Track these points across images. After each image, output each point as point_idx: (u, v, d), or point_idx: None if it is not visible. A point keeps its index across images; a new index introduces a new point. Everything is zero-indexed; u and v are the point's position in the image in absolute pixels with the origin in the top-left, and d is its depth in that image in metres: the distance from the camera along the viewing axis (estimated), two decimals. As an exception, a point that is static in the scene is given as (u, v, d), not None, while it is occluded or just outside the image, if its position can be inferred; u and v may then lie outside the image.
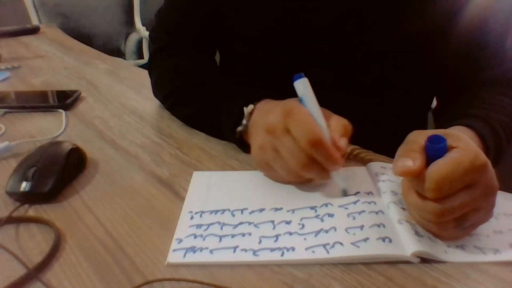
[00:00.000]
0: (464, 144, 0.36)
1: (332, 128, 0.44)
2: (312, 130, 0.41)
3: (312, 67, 0.63)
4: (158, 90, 0.69)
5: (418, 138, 0.38)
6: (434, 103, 0.71)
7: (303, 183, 0.46)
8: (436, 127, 0.65)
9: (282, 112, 0.43)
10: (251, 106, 0.51)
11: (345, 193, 0.44)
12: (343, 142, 0.43)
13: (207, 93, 0.59)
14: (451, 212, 0.35)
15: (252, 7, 0.63)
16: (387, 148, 0.49)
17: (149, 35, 0.76)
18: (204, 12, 0.67)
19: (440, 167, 0.35)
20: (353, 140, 0.56)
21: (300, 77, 0.45)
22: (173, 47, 0.70)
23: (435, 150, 0.36)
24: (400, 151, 0.38)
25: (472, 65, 0.59)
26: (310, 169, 0.42)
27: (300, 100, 0.45)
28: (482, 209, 0.36)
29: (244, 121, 0.51)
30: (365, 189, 0.45)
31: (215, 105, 0.56)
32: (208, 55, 0.71)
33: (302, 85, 0.45)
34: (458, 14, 0.55)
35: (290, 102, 0.45)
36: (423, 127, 0.74)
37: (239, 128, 0.52)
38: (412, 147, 0.37)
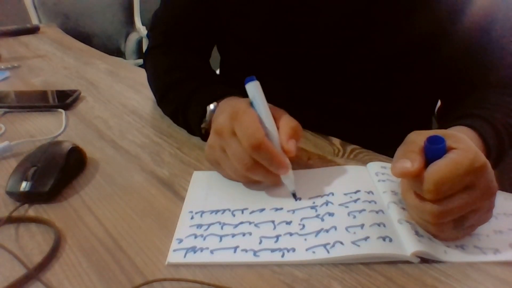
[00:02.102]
0: (463, 145, 0.36)
1: (280, 130, 0.44)
2: (254, 134, 0.41)
3: (314, 71, 0.63)
4: (150, 87, 0.71)
5: (417, 138, 0.38)
6: (438, 104, 0.71)
7: (253, 184, 0.47)
8: (439, 127, 0.64)
9: (230, 114, 0.43)
10: (214, 104, 0.52)
11: (294, 197, 0.44)
12: (291, 145, 0.43)
13: (181, 92, 0.60)
14: (450, 214, 0.35)
15: (250, 12, 0.63)
16: (389, 148, 0.49)
17: (146, 35, 0.77)
18: (199, 15, 0.69)
19: (438, 168, 0.34)
20: (354, 141, 0.57)
21: (252, 79, 0.45)
22: (165, 45, 0.72)
23: (434, 151, 0.36)
24: (399, 151, 0.38)
25: (477, 68, 0.58)
26: (255, 172, 0.43)
27: (251, 103, 0.45)
28: (481, 210, 0.36)
29: (206, 118, 0.53)
30: (365, 189, 0.45)
31: (186, 104, 0.58)
32: (201, 56, 0.73)
33: (252, 88, 0.45)
34: (462, 16, 0.55)
35: (240, 104, 0.45)
36: (427, 128, 0.74)
37: (202, 125, 0.53)
38: (411, 147, 0.37)
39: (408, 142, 0.39)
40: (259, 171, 0.43)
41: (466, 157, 0.34)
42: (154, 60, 0.71)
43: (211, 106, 0.52)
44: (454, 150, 0.36)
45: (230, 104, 0.49)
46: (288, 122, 0.45)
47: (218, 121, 0.45)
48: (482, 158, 0.35)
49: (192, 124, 0.57)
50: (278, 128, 0.45)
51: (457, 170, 0.34)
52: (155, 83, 0.69)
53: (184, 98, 0.59)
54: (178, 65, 0.67)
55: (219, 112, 0.50)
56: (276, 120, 0.45)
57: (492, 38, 0.56)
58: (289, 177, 0.44)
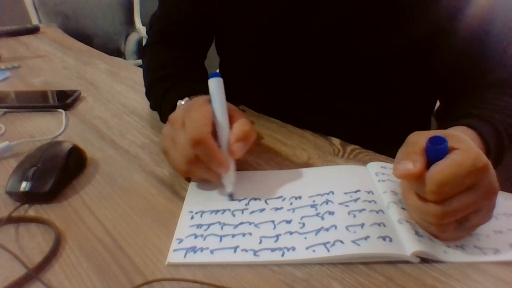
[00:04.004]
0: (465, 145, 0.36)
1: (232, 131, 0.45)
2: (198, 129, 0.41)
3: (312, 71, 0.63)
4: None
5: (418, 139, 0.38)
6: (437, 105, 0.71)
7: (197, 179, 0.47)
8: (438, 128, 0.64)
9: (186, 106, 0.45)
10: (186, 99, 0.53)
11: (231, 198, 0.44)
12: (236, 147, 0.44)
13: (161, 87, 0.61)
14: (452, 214, 0.35)
15: (247, 13, 0.63)
16: (389, 148, 0.49)
17: (146, 33, 0.79)
18: (194, 15, 0.70)
19: (441, 169, 0.34)
20: (354, 141, 0.57)
21: (215, 75, 0.46)
22: (160, 43, 0.73)
23: (436, 151, 0.36)
24: (400, 153, 0.38)
25: (475, 68, 0.58)
26: (195, 166, 0.43)
27: (210, 98, 0.46)
28: (482, 210, 0.36)
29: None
30: (366, 188, 0.45)
31: (162, 98, 0.59)
32: (194, 54, 0.73)
33: (213, 84, 0.46)
34: (461, 16, 0.55)
35: (199, 99, 0.46)
36: (426, 128, 0.74)
37: None
38: (413, 148, 0.37)
39: (409, 143, 0.38)
40: (200, 166, 0.43)
41: (468, 158, 0.34)
42: (147, 57, 0.73)
43: (182, 102, 0.53)
44: (456, 151, 0.36)
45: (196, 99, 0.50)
46: (241, 124, 0.45)
47: (175, 112, 0.46)
48: (484, 158, 0.35)
49: (164, 118, 0.58)
50: (231, 129, 0.45)
51: (459, 170, 0.34)
52: (145, 79, 0.71)
53: (162, 93, 0.60)
54: (166, 63, 0.68)
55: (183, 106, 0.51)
56: (233, 121, 0.46)
57: (491, 38, 0.56)
58: (228, 177, 0.44)
